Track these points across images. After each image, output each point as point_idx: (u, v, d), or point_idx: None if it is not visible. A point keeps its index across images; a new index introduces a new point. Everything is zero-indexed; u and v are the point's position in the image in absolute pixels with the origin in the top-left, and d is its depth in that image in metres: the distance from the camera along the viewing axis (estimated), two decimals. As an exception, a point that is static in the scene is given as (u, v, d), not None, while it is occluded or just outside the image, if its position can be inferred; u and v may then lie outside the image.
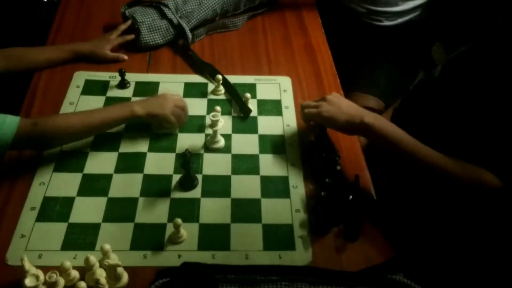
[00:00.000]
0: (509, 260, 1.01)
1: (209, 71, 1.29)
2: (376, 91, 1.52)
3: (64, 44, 1.34)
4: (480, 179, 0.93)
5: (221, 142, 1.12)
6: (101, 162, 1.07)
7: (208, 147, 1.12)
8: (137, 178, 1.04)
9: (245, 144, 1.13)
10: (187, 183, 1.03)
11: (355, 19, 1.56)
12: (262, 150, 1.12)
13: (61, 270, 0.84)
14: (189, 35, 1.35)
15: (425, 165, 0.96)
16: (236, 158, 1.10)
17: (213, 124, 1.08)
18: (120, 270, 0.84)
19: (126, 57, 1.32)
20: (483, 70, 0.97)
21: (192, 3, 1.40)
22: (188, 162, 0.99)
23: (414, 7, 1.51)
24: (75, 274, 0.86)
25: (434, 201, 1.04)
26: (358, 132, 1.04)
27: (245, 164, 1.08)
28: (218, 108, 1.12)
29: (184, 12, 1.38)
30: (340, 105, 1.03)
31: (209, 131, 1.14)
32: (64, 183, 1.02)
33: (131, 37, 1.34)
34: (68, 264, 0.83)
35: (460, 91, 1.01)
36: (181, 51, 1.36)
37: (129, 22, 1.35)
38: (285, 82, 1.29)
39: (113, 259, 0.88)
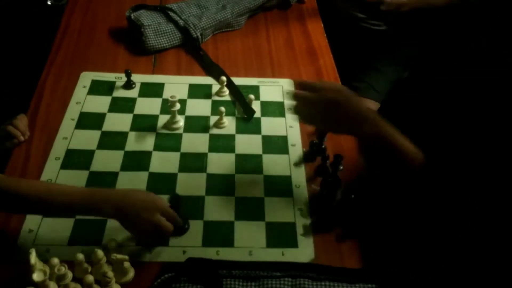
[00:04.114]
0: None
1: (218, 72, 1.31)
2: (375, 95, 1.55)
3: None
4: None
5: (181, 123, 1.17)
6: (107, 160, 1.08)
7: (168, 127, 1.16)
8: (143, 176, 1.06)
9: (249, 144, 1.15)
10: (176, 228, 0.93)
11: (355, 23, 1.59)
12: (266, 150, 1.14)
13: (75, 263, 0.85)
14: (198, 35, 1.38)
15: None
16: (240, 158, 1.11)
17: (172, 105, 1.12)
18: (127, 264, 0.86)
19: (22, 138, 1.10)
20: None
21: (193, 7, 1.43)
22: (177, 206, 0.95)
23: None
24: (87, 266, 0.87)
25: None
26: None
27: (248, 164, 1.10)
28: (223, 108, 1.15)
29: (189, 14, 1.41)
30: (337, 110, 0.92)
31: (213, 130, 1.16)
32: (71, 180, 1.03)
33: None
34: (81, 256, 0.85)
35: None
36: (192, 51, 1.38)
37: None
38: (288, 84, 1.31)
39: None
